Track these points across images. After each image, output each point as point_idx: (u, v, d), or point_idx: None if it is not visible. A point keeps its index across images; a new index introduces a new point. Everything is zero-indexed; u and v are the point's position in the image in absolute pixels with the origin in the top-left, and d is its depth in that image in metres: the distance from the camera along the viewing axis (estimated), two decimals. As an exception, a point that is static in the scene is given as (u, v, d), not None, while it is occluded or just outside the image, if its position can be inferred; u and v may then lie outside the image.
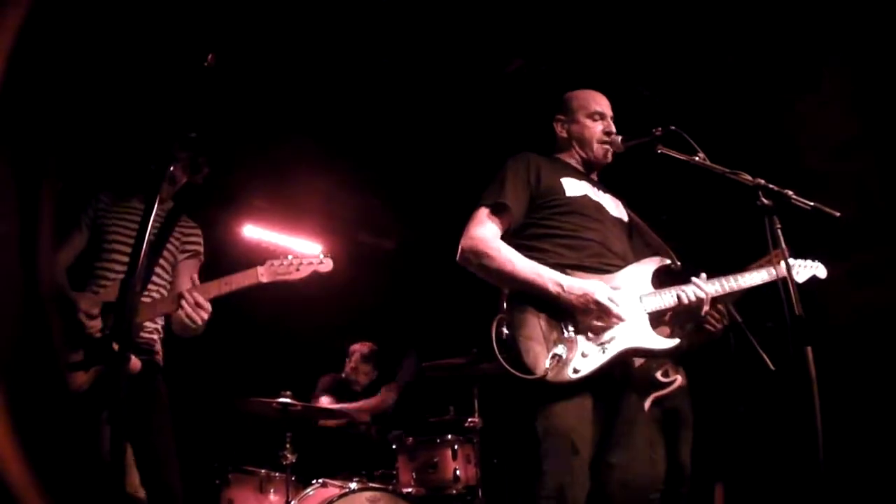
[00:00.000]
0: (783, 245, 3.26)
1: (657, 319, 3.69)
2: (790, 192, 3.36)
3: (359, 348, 7.85)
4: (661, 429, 6.42)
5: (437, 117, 7.22)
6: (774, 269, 3.75)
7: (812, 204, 3.37)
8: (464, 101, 6.98)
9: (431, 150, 7.67)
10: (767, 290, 3.80)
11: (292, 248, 8.61)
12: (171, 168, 4.52)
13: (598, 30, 6.09)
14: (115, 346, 4.04)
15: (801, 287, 4.00)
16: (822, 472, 3.01)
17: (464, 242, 3.72)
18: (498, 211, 3.75)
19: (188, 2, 5.47)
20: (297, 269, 4.16)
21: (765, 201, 3.32)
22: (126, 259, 4.33)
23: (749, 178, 3.44)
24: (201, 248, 4.76)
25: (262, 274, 4.11)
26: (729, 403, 6.49)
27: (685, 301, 3.64)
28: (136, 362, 4.13)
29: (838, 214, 3.36)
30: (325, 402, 7.36)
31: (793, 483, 5.90)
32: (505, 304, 3.56)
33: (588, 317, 3.48)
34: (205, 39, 5.41)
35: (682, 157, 3.68)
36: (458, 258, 3.75)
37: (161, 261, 4.53)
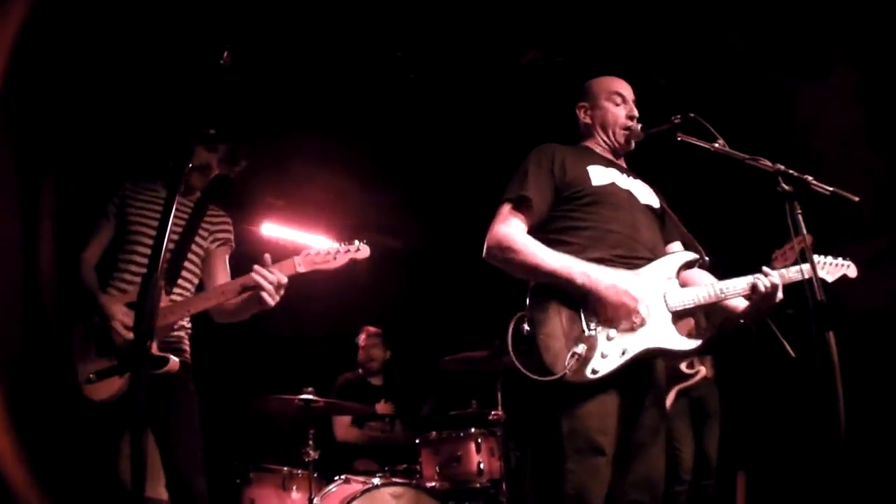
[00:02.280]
0: (804, 230, 3.25)
1: (681, 316, 3.66)
2: (810, 178, 3.35)
3: (365, 329, 7.94)
4: (690, 421, 6.45)
5: (452, 111, 7.21)
6: (800, 267, 3.74)
7: (831, 189, 3.35)
8: (479, 94, 6.97)
9: (446, 145, 7.66)
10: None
11: (311, 244, 8.65)
12: (207, 160, 4.57)
13: (612, 20, 6.08)
14: (154, 350, 4.07)
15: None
16: (844, 459, 3.00)
17: (489, 239, 3.70)
18: (520, 205, 3.72)
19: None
20: (335, 258, 4.11)
21: (785, 187, 3.31)
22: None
23: (769, 163, 3.42)
24: (231, 237, 4.76)
25: (300, 264, 4.06)
26: (751, 391, 6.48)
27: (761, 288, 3.60)
28: (175, 362, 4.12)
29: (857, 199, 3.34)
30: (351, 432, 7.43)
31: (815, 470, 5.88)
32: (527, 299, 3.54)
33: (613, 310, 3.47)
34: (220, 35, 5.42)
35: (702, 144, 3.67)
36: (483, 255, 3.74)
37: (190, 254, 4.52)
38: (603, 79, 4.23)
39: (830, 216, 3.84)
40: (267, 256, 4.04)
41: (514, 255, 3.59)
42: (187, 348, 4.49)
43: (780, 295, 3.64)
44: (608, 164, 4.00)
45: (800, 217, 3.26)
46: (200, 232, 4.59)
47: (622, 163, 4.16)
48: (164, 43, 5.67)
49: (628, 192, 3.92)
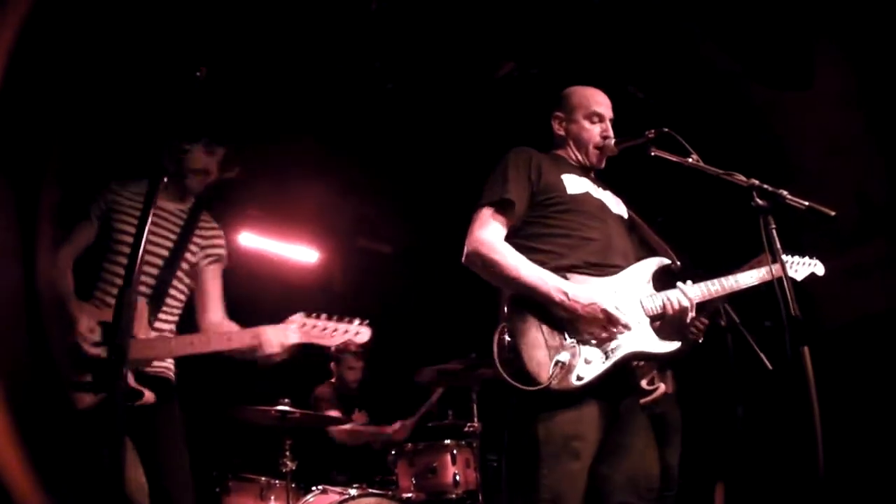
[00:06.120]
0: (778, 245, 3.25)
1: (655, 320, 3.66)
2: (784, 192, 3.34)
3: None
4: (651, 433, 6.48)
5: (431, 122, 7.22)
6: (770, 267, 3.75)
7: (807, 204, 3.34)
8: (455, 104, 6.98)
9: (425, 155, 7.66)
10: (765, 290, 3.81)
11: (289, 255, 8.62)
12: (206, 164, 4.37)
13: (589, 32, 6.09)
14: (131, 381, 3.94)
15: (797, 285, 4.00)
16: (821, 472, 3.00)
17: (469, 245, 3.66)
18: (502, 209, 3.68)
19: (185, 4, 5.48)
20: (332, 336, 4.07)
21: (759, 202, 3.30)
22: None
23: (743, 178, 3.42)
24: (225, 252, 4.52)
25: (295, 332, 4.02)
26: (728, 403, 6.50)
27: (669, 310, 3.62)
28: (149, 395, 3.94)
29: (833, 214, 3.34)
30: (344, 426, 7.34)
31: (792, 482, 5.90)
32: (506, 310, 3.50)
33: (593, 326, 3.46)
34: (202, 44, 5.40)
35: (675, 159, 3.67)
36: (463, 260, 3.69)
37: (179, 272, 4.28)
38: (583, 92, 4.16)
39: (809, 228, 3.85)
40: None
41: (493, 266, 3.55)
42: (172, 367, 4.28)
43: (691, 313, 3.65)
44: (581, 173, 3.99)
45: (774, 232, 3.26)
46: (191, 246, 4.35)
47: (592, 175, 4.12)
48: (147, 50, 5.64)
49: (601, 202, 3.91)
